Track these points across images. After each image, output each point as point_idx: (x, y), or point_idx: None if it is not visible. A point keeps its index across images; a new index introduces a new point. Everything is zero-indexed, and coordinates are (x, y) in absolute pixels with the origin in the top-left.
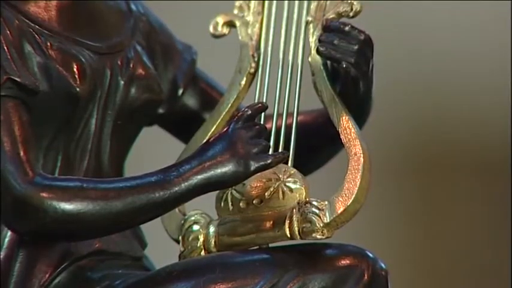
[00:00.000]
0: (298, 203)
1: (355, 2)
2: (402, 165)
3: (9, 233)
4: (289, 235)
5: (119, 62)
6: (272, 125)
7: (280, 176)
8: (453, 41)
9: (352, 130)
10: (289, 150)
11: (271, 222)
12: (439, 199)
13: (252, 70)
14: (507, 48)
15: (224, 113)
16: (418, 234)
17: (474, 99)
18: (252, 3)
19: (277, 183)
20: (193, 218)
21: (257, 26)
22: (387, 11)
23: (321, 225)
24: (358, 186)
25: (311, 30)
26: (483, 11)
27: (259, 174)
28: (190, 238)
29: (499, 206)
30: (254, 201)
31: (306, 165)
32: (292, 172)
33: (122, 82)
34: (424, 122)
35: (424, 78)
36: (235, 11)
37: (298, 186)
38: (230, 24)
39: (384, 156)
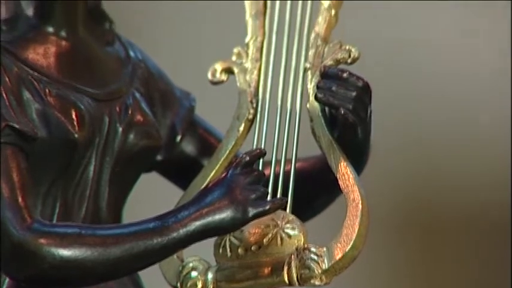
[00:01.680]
0: (297, 249)
1: (353, 49)
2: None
3: (7, 279)
4: (287, 281)
5: (118, 109)
6: (270, 171)
7: (279, 222)
8: (451, 90)
9: (351, 176)
10: (287, 197)
11: (270, 268)
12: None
13: (251, 116)
14: (507, 100)
15: (222, 159)
16: (421, 274)
17: (473, 154)
18: (250, 50)
19: (275, 230)
20: (191, 264)
21: (255, 72)
22: (380, 60)
23: (320, 271)
24: (356, 232)
25: (309, 77)
26: (483, 64)
27: (257, 220)
28: (188, 284)
29: (496, 267)
30: (252, 248)
31: (304, 211)
32: (290, 218)
33: (120, 129)
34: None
35: (419, 129)
36: (234, 58)
37: (296, 232)
38: (228, 71)
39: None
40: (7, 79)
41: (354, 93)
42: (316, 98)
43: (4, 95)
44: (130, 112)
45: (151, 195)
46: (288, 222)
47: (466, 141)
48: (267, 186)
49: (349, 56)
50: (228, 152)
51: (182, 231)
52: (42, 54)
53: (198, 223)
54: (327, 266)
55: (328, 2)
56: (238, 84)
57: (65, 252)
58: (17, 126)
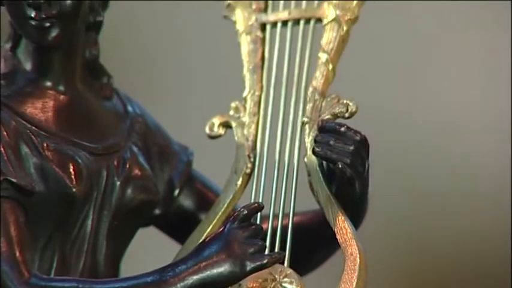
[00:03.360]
0: None
1: (350, 103)
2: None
3: None
4: None
5: (115, 163)
6: (268, 225)
7: (277, 276)
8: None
9: (348, 230)
10: (285, 251)
11: None
12: None
13: (248, 170)
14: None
15: (220, 213)
16: None
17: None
18: (248, 104)
19: (273, 284)
20: None
21: (253, 126)
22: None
23: None
24: (354, 286)
25: (307, 131)
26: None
27: (255, 274)
28: None
29: None
30: None
31: (302, 265)
32: (288, 272)
33: (118, 183)
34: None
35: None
36: (231, 112)
37: (294, 286)
38: (226, 125)
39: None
40: (5, 133)
41: (351, 147)
42: (314, 152)
43: (2, 149)
44: (128, 166)
45: (149, 249)
46: (286, 276)
47: (466, 197)
48: (265, 240)
49: (347, 110)
50: (225, 206)
51: (180, 285)
52: (40, 109)
53: (195, 277)
54: None
55: (325, 56)
56: (236, 138)
57: None
58: (15, 180)
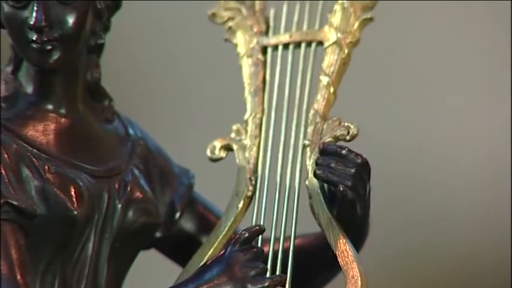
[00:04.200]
0: None
1: (352, 126)
2: None
3: None
4: None
5: (117, 186)
6: (269, 248)
7: None
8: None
9: (350, 253)
10: (286, 274)
11: None
12: None
13: (249, 193)
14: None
15: (221, 236)
16: None
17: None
18: (249, 127)
19: None
20: None
21: (254, 149)
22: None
23: None
24: None
25: (308, 154)
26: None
27: None
28: None
29: None
30: None
31: None
32: None
33: (119, 205)
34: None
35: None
36: (232, 135)
37: None
38: (227, 148)
39: None
40: (6, 156)
41: (352, 170)
42: (315, 174)
43: (3, 171)
44: (129, 189)
45: (150, 272)
46: None
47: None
48: (266, 263)
49: (348, 132)
50: (227, 229)
51: None
52: (42, 131)
53: None
54: None
55: (326, 79)
56: (237, 161)
57: None
58: (15, 203)
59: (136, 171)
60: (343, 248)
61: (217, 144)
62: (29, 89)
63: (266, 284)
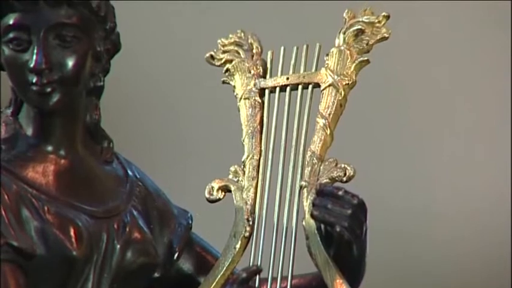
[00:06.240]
0: None
1: (348, 167)
2: None
3: None
4: None
5: (115, 226)
6: None
7: None
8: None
9: None
10: None
11: None
12: None
13: (247, 234)
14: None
15: (219, 276)
16: None
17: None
18: (247, 168)
19: None
20: None
21: (252, 190)
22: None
23: None
24: None
25: (305, 195)
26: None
27: None
28: None
29: None
30: None
31: None
32: None
33: (118, 246)
34: None
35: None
36: (230, 176)
37: None
38: (225, 189)
39: None
40: (6, 197)
41: (349, 211)
42: (312, 215)
43: (3, 212)
44: (128, 229)
45: None
46: None
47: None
48: None
49: (345, 174)
50: (224, 269)
51: None
52: (41, 173)
53: None
54: None
55: (323, 121)
56: (234, 202)
57: None
58: (15, 243)
59: (135, 212)
60: None
61: (215, 185)
62: (29, 130)
63: None
